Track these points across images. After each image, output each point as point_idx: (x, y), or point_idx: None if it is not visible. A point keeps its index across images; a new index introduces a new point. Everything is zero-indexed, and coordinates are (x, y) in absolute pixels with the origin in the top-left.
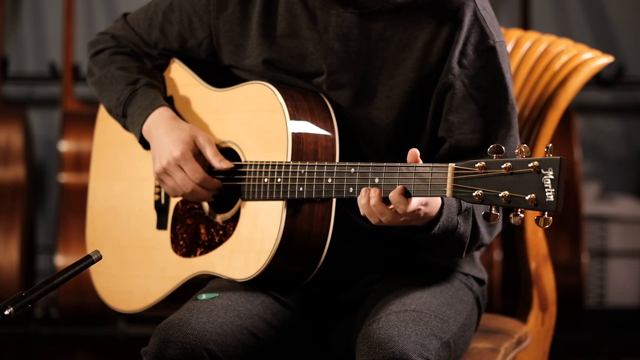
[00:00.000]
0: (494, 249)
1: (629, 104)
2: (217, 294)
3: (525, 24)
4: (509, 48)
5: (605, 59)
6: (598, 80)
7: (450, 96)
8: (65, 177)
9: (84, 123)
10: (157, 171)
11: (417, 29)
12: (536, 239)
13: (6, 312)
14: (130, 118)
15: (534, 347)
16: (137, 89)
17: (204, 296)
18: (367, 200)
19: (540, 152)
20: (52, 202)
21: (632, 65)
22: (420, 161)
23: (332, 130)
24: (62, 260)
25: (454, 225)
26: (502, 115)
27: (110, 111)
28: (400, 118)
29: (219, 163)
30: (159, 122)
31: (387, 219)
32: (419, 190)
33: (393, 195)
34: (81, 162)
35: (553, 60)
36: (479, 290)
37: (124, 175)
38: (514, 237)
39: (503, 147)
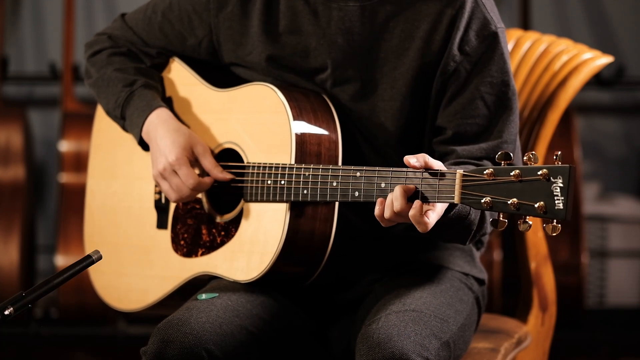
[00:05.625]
0: (494, 249)
1: (629, 104)
2: (217, 294)
3: (525, 24)
4: (508, 48)
5: (605, 59)
6: (598, 80)
7: (452, 82)
8: (65, 177)
9: (84, 123)
10: (154, 175)
11: (419, 18)
12: (536, 239)
13: (6, 312)
14: (129, 120)
15: (534, 347)
16: (135, 91)
17: (203, 296)
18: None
19: (541, 152)
20: (52, 202)
21: (632, 65)
22: (429, 159)
23: (334, 131)
24: (62, 260)
25: (467, 210)
26: (504, 100)
27: (109, 113)
28: (404, 108)
29: (221, 174)
30: (157, 124)
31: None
32: (426, 196)
33: (415, 214)
34: (81, 162)
35: (553, 60)
36: (479, 290)
37: (122, 173)
38: (514, 237)
39: (511, 154)
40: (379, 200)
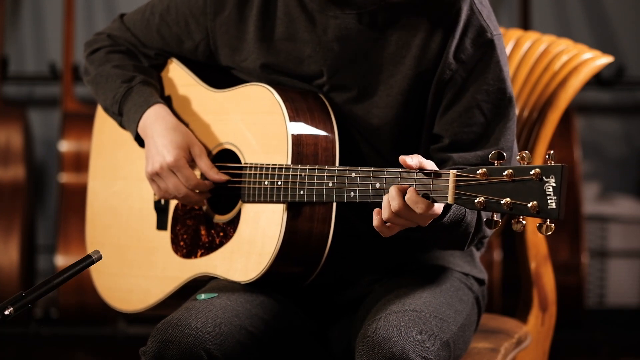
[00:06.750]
0: (494, 249)
1: (629, 104)
2: (216, 294)
3: (525, 24)
4: (509, 48)
5: (605, 59)
6: (598, 80)
7: (448, 90)
8: (65, 177)
9: (84, 123)
10: (149, 172)
11: (415, 26)
12: (536, 239)
13: (6, 312)
14: (126, 116)
15: (534, 347)
16: (133, 87)
17: (202, 296)
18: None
19: (540, 152)
20: (52, 202)
21: (632, 65)
22: (423, 160)
23: (331, 131)
24: (62, 260)
25: (462, 214)
26: (500, 108)
27: (106, 109)
28: (400, 115)
29: (217, 175)
30: (154, 120)
31: (408, 217)
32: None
33: (413, 198)
34: (81, 162)
35: (553, 60)
36: (479, 290)
37: (123, 174)
38: (514, 237)
39: (504, 153)
40: (375, 210)
